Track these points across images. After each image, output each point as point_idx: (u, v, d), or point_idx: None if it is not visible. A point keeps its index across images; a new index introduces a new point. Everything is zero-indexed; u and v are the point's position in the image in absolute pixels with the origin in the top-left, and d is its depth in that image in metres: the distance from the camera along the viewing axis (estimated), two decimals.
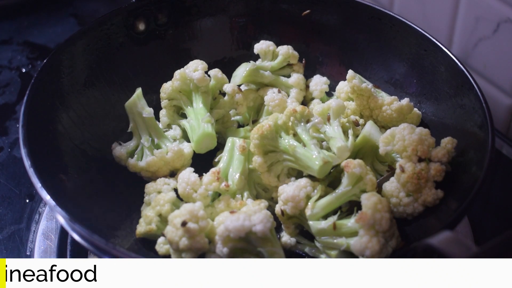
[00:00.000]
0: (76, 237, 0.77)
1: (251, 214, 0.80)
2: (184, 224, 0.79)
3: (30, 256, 0.98)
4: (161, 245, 0.86)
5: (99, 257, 0.77)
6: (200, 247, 0.80)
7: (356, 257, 0.81)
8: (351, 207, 0.86)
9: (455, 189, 0.87)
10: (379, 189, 0.90)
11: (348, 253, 0.82)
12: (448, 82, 0.97)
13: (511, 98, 1.13)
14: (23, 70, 1.34)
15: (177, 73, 1.01)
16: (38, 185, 0.78)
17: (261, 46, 1.07)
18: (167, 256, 0.84)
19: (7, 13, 1.47)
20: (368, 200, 0.81)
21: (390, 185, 0.88)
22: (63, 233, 0.99)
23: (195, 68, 0.99)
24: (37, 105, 0.89)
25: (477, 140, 0.87)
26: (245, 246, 0.80)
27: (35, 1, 1.50)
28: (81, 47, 1.00)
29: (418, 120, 0.98)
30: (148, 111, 0.97)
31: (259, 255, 0.81)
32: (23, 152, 0.82)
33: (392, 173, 0.90)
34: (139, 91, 0.97)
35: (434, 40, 0.99)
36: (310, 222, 0.85)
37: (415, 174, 0.85)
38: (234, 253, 0.80)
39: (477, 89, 0.90)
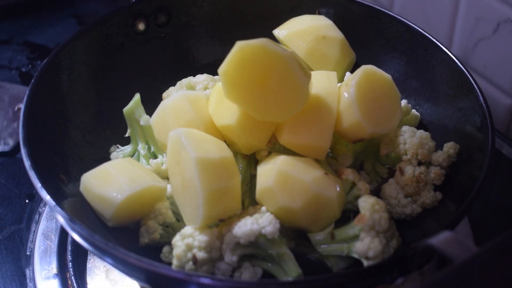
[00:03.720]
0: (76, 237, 0.77)
1: (257, 217, 0.80)
2: (195, 262, 0.78)
3: (30, 256, 0.98)
4: (166, 255, 0.84)
5: (100, 257, 0.77)
6: (207, 270, 0.79)
7: (358, 260, 0.81)
8: (346, 216, 0.86)
9: (455, 189, 0.87)
10: (378, 191, 0.90)
11: (348, 258, 0.83)
12: (448, 82, 0.97)
13: (511, 98, 1.13)
14: (23, 70, 1.34)
15: (184, 84, 1.00)
16: (38, 185, 0.78)
17: None
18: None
19: (7, 13, 1.47)
20: (365, 202, 0.81)
21: (389, 187, 0.88)
22: (63, 233, 0.99)
23: (205, 86, 0.99)
24: (37, 105, 0.89)
25: (477, 140, 0.87)
26: (254, 251, 0.80)
27: (35, 1, 1.50)
28: (81, 47, 1.00)
29: (416, 122, 0.98)
30: (145, 119, 0.96)
31: (267, 259, 0.80)
32: (23, 152, 0.82)
33: (392, 174, 0.90)
34: (137, 97, 0.97)
35: (434, 40, 0.99)
36: (308, 234, 0.85)
37: (414, 177, 0.86)
38: (243, 260, 0.80)
39: (477, 89, 0.90)
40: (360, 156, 0.94)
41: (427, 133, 0.90)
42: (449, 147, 0.89)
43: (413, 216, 0.88)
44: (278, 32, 1.04)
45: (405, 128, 0.90)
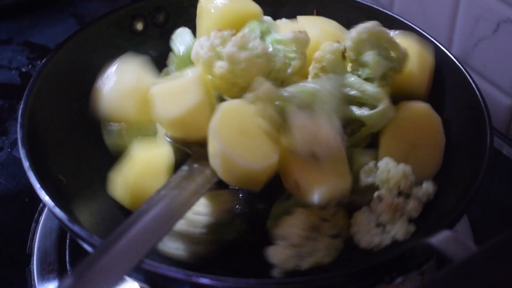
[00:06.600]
0: (75, 237, 0.77)
1: None
2: None
3: (30, 256, 0.98)
4: None
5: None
6: None
7: (353, 259, 0.82)
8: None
9: (454, 189, 0.87)
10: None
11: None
12: (448, 82, 0.97)
13: (511, 98, 1.13)
14: (23, 70, 1.34)
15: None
16: (37, 186, 0.78)
17: None
18: None
19: (7, 13, 1.48)
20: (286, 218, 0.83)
21: (362, 215, 0.87)
22: (63, 234, 0.99)
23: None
24: (36, 105, 0.89)
25: (477, 140, 0.87)
26: None
27: (35, 1, 1.50)
28: (80, 47, 1.00)
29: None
30: None
31: None
32: (22, 152, 0.82)
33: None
34: None
35: (434, 40, 0.99)
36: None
37: (393, 205, 0.85)
38: None
39: (476, 89, 0.90)
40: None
41: (409, 166, 0.88)
42: (428, 185, 0.89)
43: (381, 247, 0.86)
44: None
45: (386, 159, 0.89)
